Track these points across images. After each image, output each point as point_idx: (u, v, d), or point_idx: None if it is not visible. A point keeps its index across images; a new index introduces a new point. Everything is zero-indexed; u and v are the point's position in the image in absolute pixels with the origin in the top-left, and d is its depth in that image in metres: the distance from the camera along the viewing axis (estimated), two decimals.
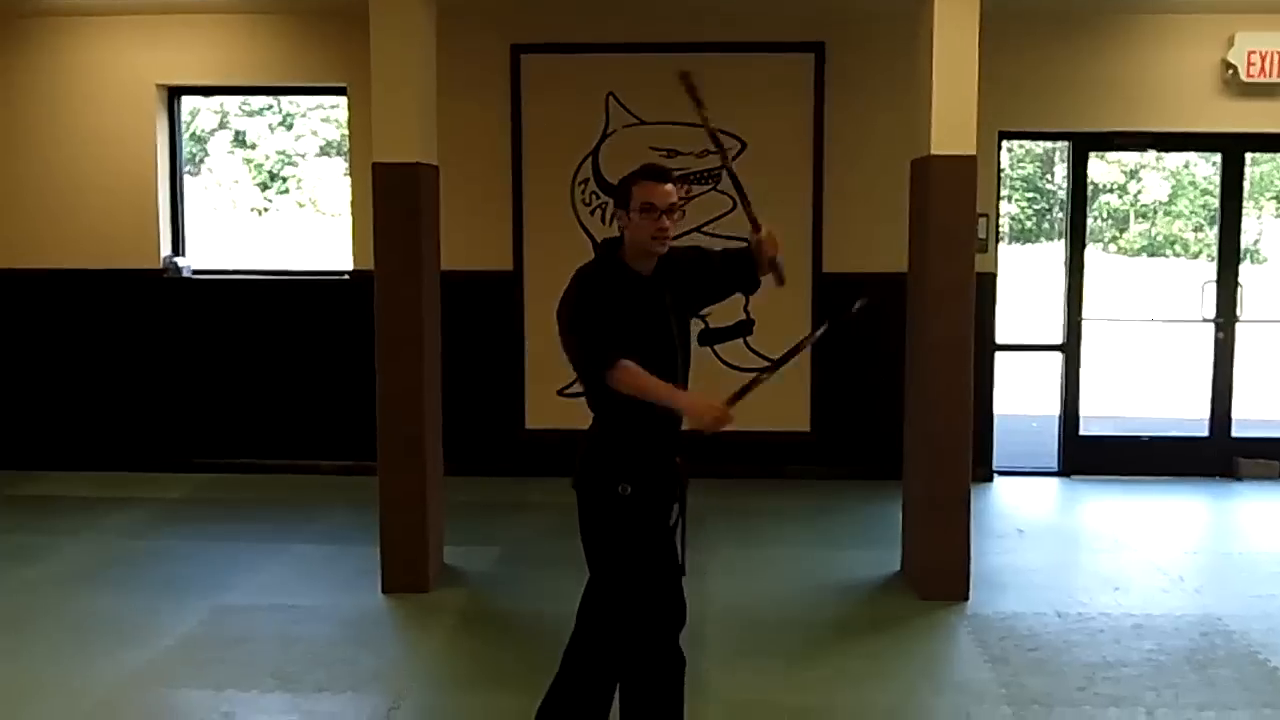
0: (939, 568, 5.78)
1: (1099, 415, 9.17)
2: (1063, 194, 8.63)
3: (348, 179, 8.40)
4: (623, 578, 3.76)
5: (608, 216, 7.98)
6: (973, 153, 5.64)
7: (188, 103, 8.78)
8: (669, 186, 3.77)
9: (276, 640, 5.22)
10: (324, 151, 16.51)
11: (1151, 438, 8.63)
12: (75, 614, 5.53)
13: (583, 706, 3.85)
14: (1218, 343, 8.36)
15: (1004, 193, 8.36)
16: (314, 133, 16.59)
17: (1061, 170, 20.30)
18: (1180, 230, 23.22)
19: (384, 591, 5.82)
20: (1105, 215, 22.65)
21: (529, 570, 6.23)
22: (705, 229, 7.63)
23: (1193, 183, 22.28)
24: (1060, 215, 9.01)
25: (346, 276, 8.27)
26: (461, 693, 4.74)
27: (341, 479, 8.07)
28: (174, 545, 6.67)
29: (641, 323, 3.76)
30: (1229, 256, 8.36)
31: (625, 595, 3.76)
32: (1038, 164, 22.51)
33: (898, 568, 6.21)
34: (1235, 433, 8.42)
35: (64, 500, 7.64)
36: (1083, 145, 8.31)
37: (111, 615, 5.51)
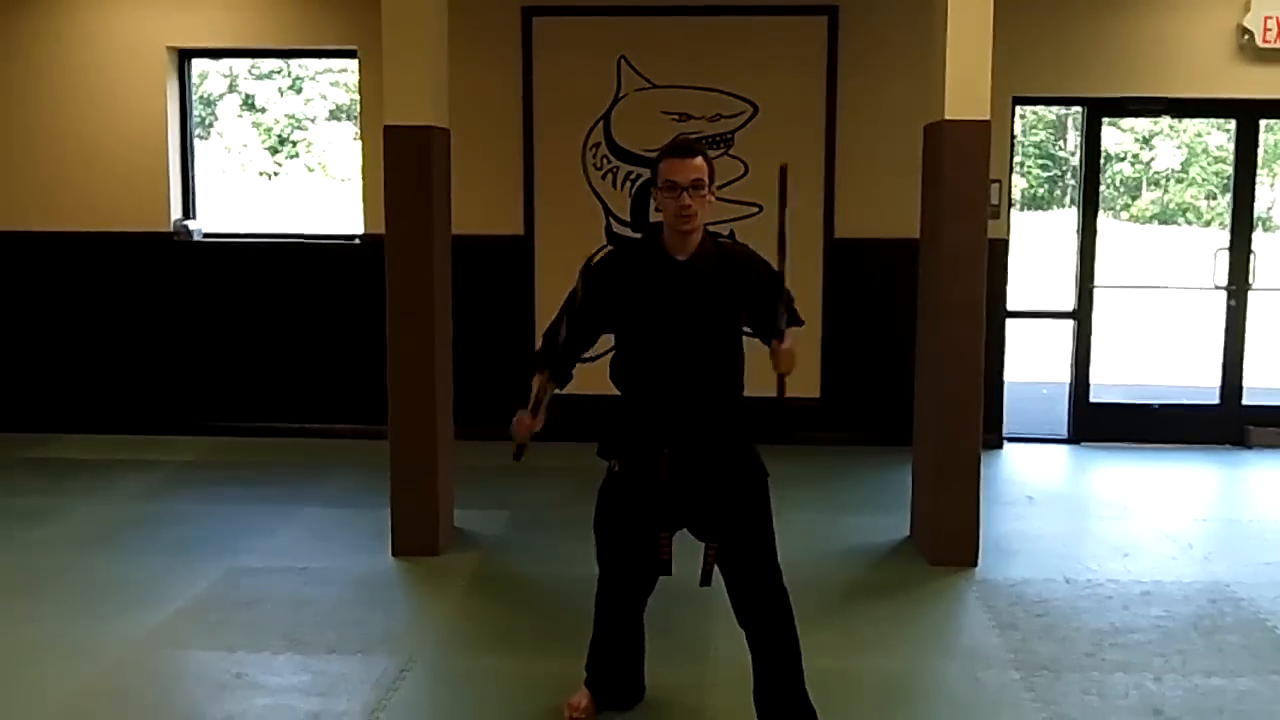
0: (948, 533, 5.78)
1: (1109, 383, 9.16)
2: (1075, 161, 8.58)
3: (358, 143, 8.38)
4: (596, 542, 3.97)
5: (619, 180, 7.97)
6: (987, 118, 5.60)
7: (197, 66, 8.75)
8: (694, 161, 3.69)
9: (288, 602, 5.25)
10: (333, 115, 16.49)
11: (1162, 405, 8.61)
12: (88, 575, 5.57)
13: (595, 644, 4.15)
14: (1229, 310, 8.33)
15: (1016, 159, 8.32)
16: (323, 96, 16.58)
17: (1074, 137, 20.22)
18: (1192, 198, 23.15)
19: (395, 554, 5.84)
20: (1117, 183, 22.58)
21: (539, 534, 6.25)
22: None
23: (1205, 150, 22.20)
24: (1072, 182, 8.97)
25: (357, 241, 8.26)
26: (471, 655, 4.77)
27: (352, 442, 8.09)
28: (186, 508, 6.70)
29: (648, 306, 3.72)
30: (1242, 224, 8.31)
31: (598, 557, 4.00)
32: (1050, 130, 22.43)
33: (907, 533, 6.22)
34: (1246, 401, 8.40)
35: (76, 463, 7.67)
36: (1097, 111, 8.26)
37: (124, 577, 5.54)
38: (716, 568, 3.80)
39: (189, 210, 8.49)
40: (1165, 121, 19.13)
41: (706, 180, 3.71)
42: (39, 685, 4.41)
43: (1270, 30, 7.75)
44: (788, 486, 6.90)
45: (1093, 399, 8.43)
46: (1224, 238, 8.43)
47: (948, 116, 5.60)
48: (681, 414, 3.72)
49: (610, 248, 3.85)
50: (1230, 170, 8.56)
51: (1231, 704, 4.32)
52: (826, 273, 8.01)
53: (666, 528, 3.76)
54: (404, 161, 5.75)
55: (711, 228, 3.92)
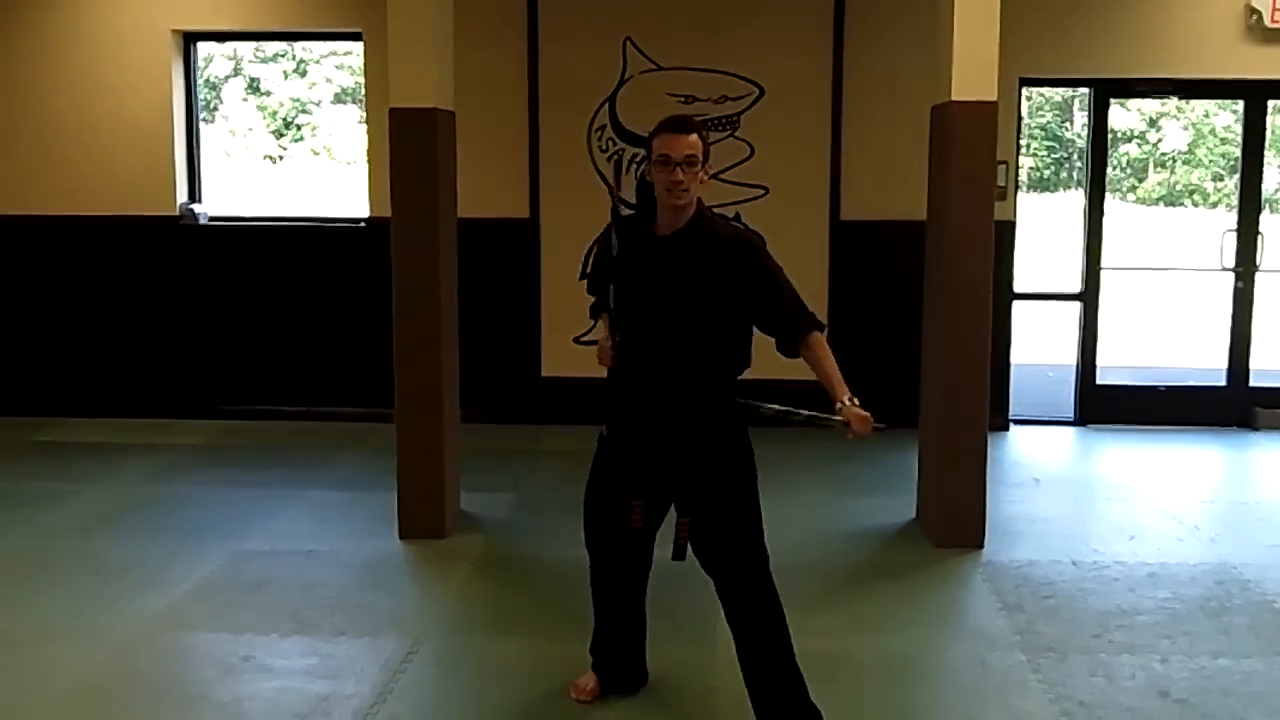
0: (955, 516, 5.78)
1: (1116, 365, 9.15)
2: (1082, 142, 8.55)
3: (362, 126, 8.37)
4: (584, 513, 4.03)
5: (625, 164, 7.95)
6: (994, 99, 5.58)
7: (202, 49, 8.73)
8: (689, 138, 3.69)
9: (295, 585, 5.26)
10: (338, 98, 16.48)
11: (1168, 387, 8.60)
12: (95, 559, 5.58)
13: (596, 626, 4.18)
14: (1236, 292, 8.32)
15: (1023, 141, 8.30)
16: (328, 80, 16.56)
17: (1080, 118, 20.16)
18: (1199, 179, 23.09)
19: (401, 537, 5.85)
20: (1124, 164, 22.53)
21: (545, 516, 6.25)
22: (721, 176, 7.57)
23: (1212, 132, 22.13)
24: (1079, 164, 8.94)
25: (362, 224, 8.26)
26: (478, 636, 4.78)
27: (359, 426, 8.10)
28: (193, 491, 6.72)
29: (627, 282, 3.73)
30: (1249, 205, 8.29)
31: (584, 529, 4.05)
32: (1057, 112, 22.37)
33: (913, 516, 6.23)
34: (1253, 383, 8.39)
35: (83, 446, 7.68)
36: (1104, 92, 8.23)
37: (131, 560, 5.55)
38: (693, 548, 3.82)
39: (194, 194, 8.49)
40: (1172, 103, 19.08)
41: (700, 158, 3.70)
42: (47, 668, 4.43)
43: (1279, 10, 7.71)
44: (793, 469, 6.96)
45: (1099, 381, 8.43)
46: (1231, 219, 8.41)
47: (954, 98, 5.58)
48: (651, 388, 3.75)
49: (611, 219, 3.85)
50: (1238, 152, 8.53)
51: (1238, 685, 4.32)
52: (832, 255, 7.99)
53: (638, 496, 3.77)
54: (409, 144, 5.74)
55: (717, 209, 3.92)
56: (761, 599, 3.78)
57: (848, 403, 3.73)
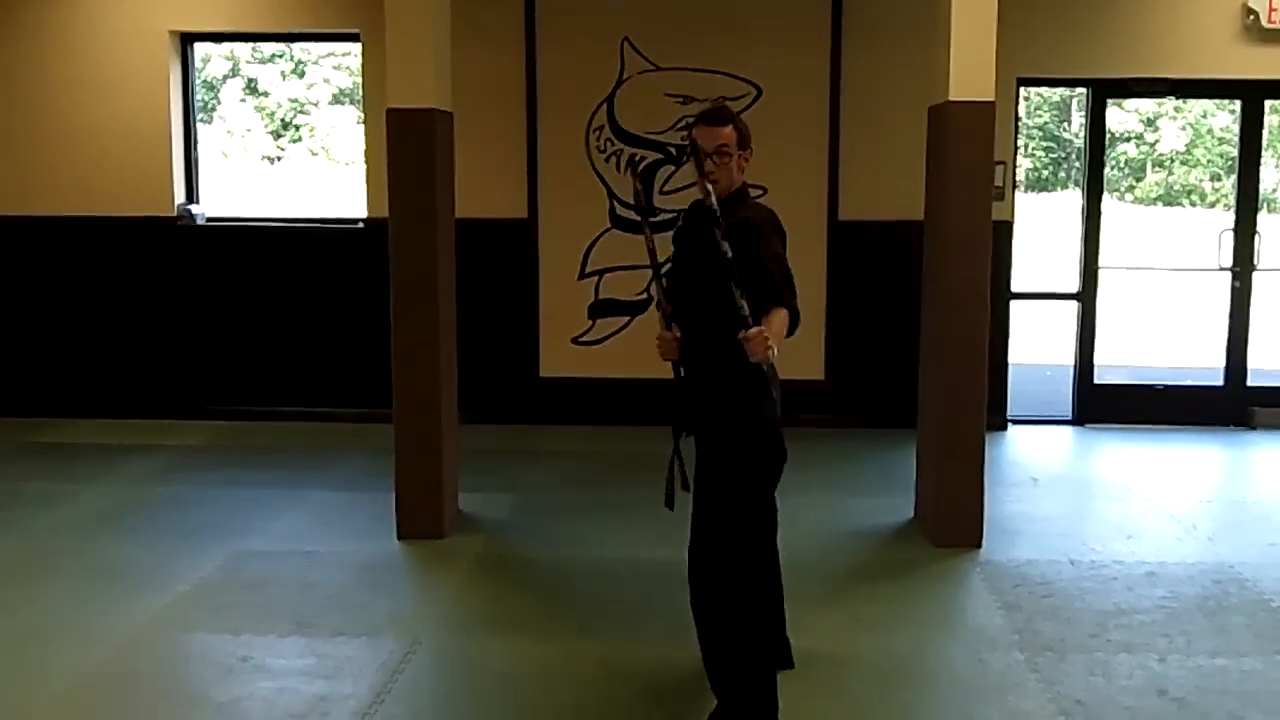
0: (953, 515, 5.79)
1: (1114, 364, 9.16)
2: (1079, 143, 8.56)
3: (360, 126, 8.37)
4: None
5: (622, 163, 7.95)
6: (991, 99, 5.59)
7: (199, 50, 8.74)
8: (723, 129, 3.87)
9: (294, 585, 5.27)
10: (336, 99, 16.49)
11: (1166, 387, 8.61)
12: (94, 559, 5.58)
13: None
14: (1234, 292, 8.32)
15: (1021, 141, 8.31)
16: (326, 80, 16.57)
17: (1078, 118, 20.17)
18: (1197, 179, 23.11)
19: (400, 538, 5.85)
20: (1122, 164, 22.55)
21: (543, 517, 6.26)
22: None
23: (1210, 132, 22.15)
24: (1077, 164, 8.95)
25: (360, 225, 8.26)
26: (477, 637, 4.78)
27: (357, 426, 8.10)
28: (191, 492, 6.71)
29: (683, 248, 3.98)
30: (1247, 205, 8.30)
31: None
32: (1054, 112, 22.38)
33: (912, 515, 6.23)
34: (1250, 382, 8.40)
35: (82, 447, 7.68)
36: (1101, 92, 8.24)
37: (130, 560, 5.55)
38: None
39: (192, 195, 8.49)
40: (1170, 103, 19.10)
41: (734, 147, 3.86)
42: (46, 668, 4.43)
43: (1276, 10, 7.72)
44: (793, 469, 6.93)
45: (1097, 380, 8.43)
46: (1229, 219, 8.42)
47: (952, 98, 5.58)
48: (688, 360, 3.92)
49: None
50: (1235, 151, 8.54)
51: (1236, 684, 4.33)
52: (830, 255, 8.00)
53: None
54: (407, 145, 5.74)
55: None
56: (720, 581, 3.88)
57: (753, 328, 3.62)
